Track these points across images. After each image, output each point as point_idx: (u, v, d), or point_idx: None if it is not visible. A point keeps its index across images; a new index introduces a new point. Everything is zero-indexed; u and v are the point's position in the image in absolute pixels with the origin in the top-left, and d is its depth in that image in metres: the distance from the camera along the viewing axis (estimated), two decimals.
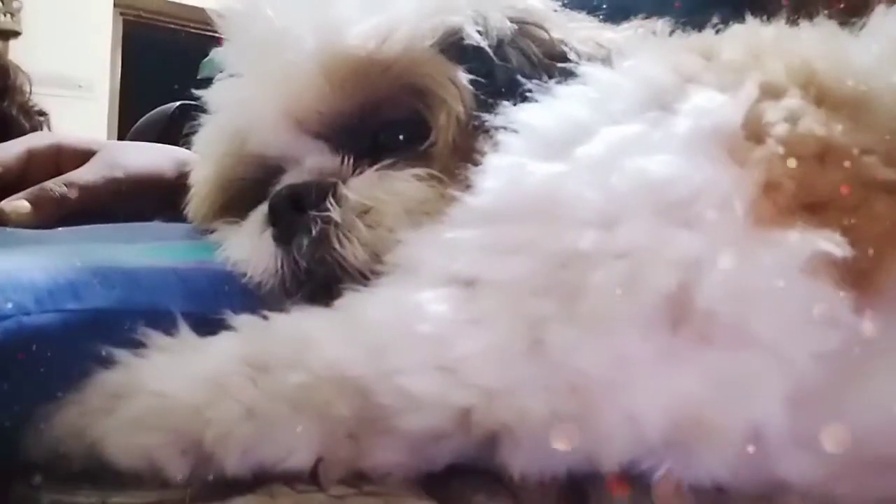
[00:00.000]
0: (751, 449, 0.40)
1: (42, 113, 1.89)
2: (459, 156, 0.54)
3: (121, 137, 2.85)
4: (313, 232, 0.55)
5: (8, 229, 0.69)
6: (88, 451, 0.43)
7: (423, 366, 0.41)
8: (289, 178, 0.60)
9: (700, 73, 0.46)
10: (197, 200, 0.68)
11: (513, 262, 0.42)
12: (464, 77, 0.57)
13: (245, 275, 0.57)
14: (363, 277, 0.53)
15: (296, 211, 0.57)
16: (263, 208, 0.60)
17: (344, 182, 0.57)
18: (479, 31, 0.58)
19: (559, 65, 0.57)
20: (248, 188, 0.64)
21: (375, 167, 0.58)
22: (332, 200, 0.56)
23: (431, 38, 0.57)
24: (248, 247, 0.58)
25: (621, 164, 0.42)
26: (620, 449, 0.41)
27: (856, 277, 0.38)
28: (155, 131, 1.84)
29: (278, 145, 0.61)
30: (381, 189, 0.57)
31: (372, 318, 0.44)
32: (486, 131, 0.51)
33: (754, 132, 0.42)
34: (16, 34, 2.30)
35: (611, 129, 0.44)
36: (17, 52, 2.38)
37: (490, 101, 0.55)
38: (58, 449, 0.43)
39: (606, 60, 0.54)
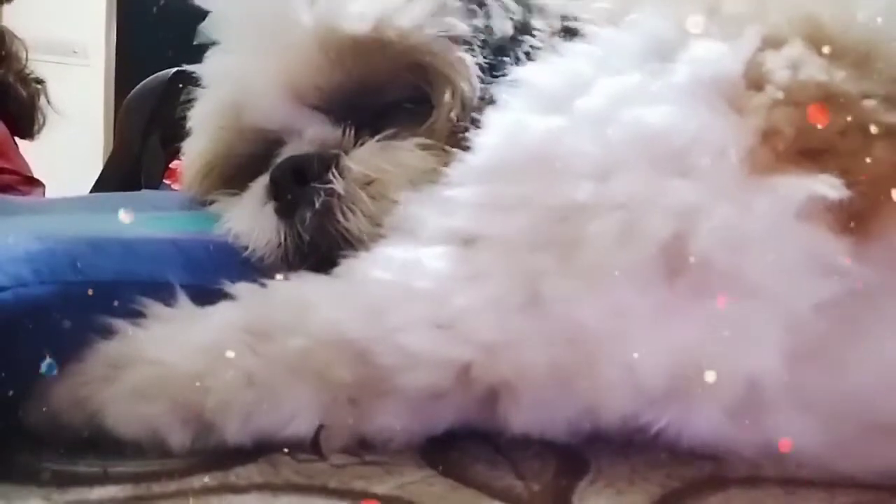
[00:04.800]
0: (748, 402, 0.41)
1: (39, 81, 1.90)
2: (462, 129, 0.55)
3: (117, 105, 2.85)
4: (316, 204, 0.56)
5: (5, 199, 0.70)
6: (89, 421, 0.44)
7: (422, 323, 0.42)
8: (289, 150, 0.61)
9: (704, 26, 0.46)
10: (193, 175, 0.68)
11: (511, 217, 0.43)
12: (468, 57, 0.57)
13: (246, 248, 0.58)
14: (367, 250, 0.54)
15: (298, 183, 0.57)
16: (264, 180, 0.60)
17: (346, 153, 0.58)
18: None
19: (563, 24, 0.58)
20: (247, 162, 0.65)
21: (377, 137, 0.59)
22: (334, 172, 0.57)
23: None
24: (250, 220, 0.59)
25: (619, 115, 0.42)
26: (620, 401, 0.42)
27: (853, 221, 0.39)
28: (151, 98, 1.85)
29: (277, 117, 0.62)
30: (384, 160, 0.57)
31: (370, 277, 0.45)
32: (492, 102, 0.52)
33: (755, 80, 0.42)
34: None
35: (609, 81, 0.44)
36: (9, 17, 2.37)
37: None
38: (58, 419, 0.45)
39: (612, 20, 0.55)
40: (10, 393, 0.44)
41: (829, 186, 0.39)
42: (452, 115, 0.57)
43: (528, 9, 0.61)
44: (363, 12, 0.57)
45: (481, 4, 0.60)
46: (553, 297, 0.41)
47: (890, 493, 0.41)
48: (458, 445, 0.45)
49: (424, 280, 0.43)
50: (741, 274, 0.39)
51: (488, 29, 0.59)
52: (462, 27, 0.58)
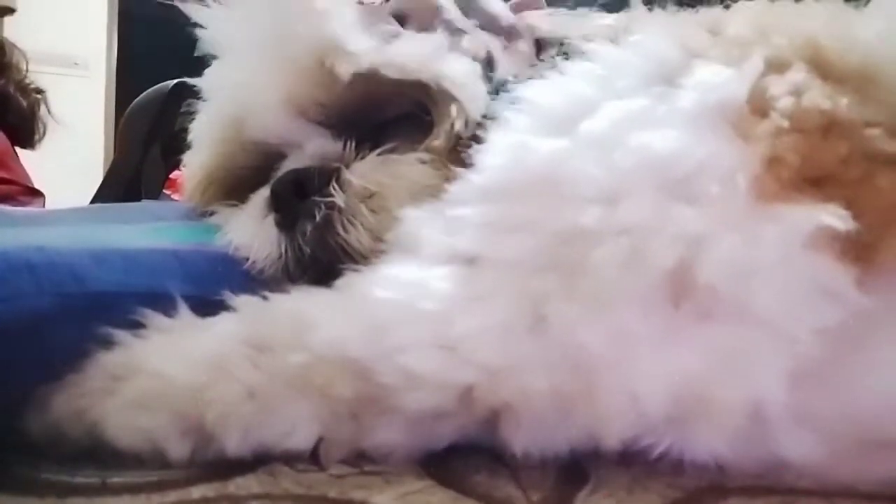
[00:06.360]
0: (751, 425, 0.41)
1: (39, 91, 1.90)
2: (464, 144, 0.55)
3: (118, 116, 2.86)
4: (317, 217, 0.56)
5: (6, 210, 0.70)
6: (89, 432, 0.44)
7: (425, 344, 0.42)
8: (290, 164, 0.61)
9: (706, 48, 0.47)
10: (194, 186, 0.69)
11: (515, 239, 0.43)
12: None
13: (247, 260, 0.58)
14: (367, 263, 0.54)
15: (298, 196, 0.58)
16: (265, 192, 0.61)
17: (347, 166, 0.58)
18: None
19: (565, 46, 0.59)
20: (248, 174, 0.65)
21: (378, 151, 0.59)
22: (335, 185, 0.57)
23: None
24: (250, 232, 0.59)
25: (625, 139, 0.43)
26: (622, 425, 0.42)
27: (858, 252, 0.39)
28: (152, 110, 1.85)
29: (278, 131, 0.62)
30: (385, 173, 0.58)
31: (373, 296, 0.45)
32: (494, 119, 0.52)
33: (759, 106, 0.43)
34: (10, 11, 2.30)
35: (615, 105, 0.45)
36: (11, 29, 2.38)
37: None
38: (58, 429, 0.45)
39: (614, 39, 0.55)
40: (10, 404, 0.44)
41: (836, 217, 0.39)
42: (454, 131, 0.57)
43: (537, 47, 0.62)
44: (361, 54, 0.57)
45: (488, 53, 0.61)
46: (556, 321, 0.41)
47: (889, 502, 0.41)
48: (459, 455, 0.45)
49: (427, 301, 0.43)
50: (746, 301, 0.39)
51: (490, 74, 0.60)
52: (463, 69, 0.59)
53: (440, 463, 0.45)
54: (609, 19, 0.62)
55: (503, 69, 0.60)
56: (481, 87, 0.58)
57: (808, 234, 0.39)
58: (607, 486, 0.43)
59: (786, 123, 0.41)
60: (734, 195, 0.40)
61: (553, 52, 0.61)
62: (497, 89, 0.58)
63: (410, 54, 0.58)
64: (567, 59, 0.54)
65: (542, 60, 0.60)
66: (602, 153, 0.43)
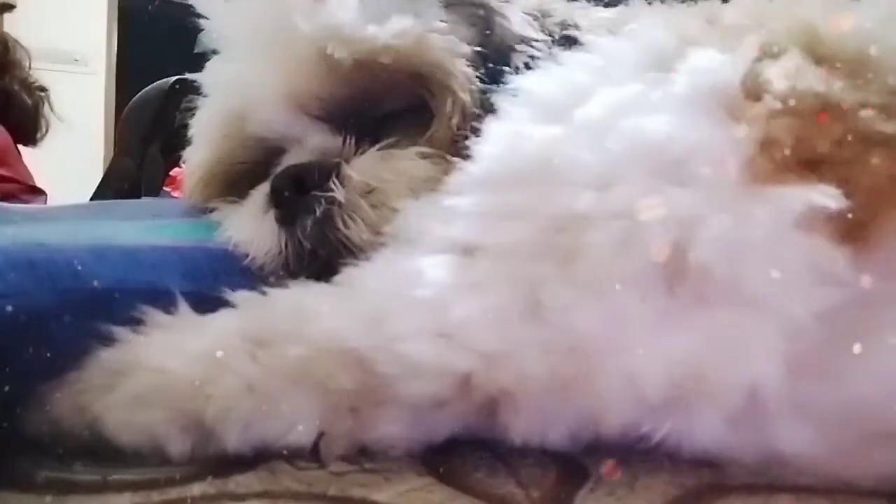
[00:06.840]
0: (749, 410, 0.41)
1: (42, 88, 1.91)
2: (463, 137, 0.55)
3: (118, 113, 2.86)
4: (317, 213, 0.57)
5: (7, 207, 0.70)
6: (89, 429, 0.44)
7: (423, 331, 0.43)
8: (290, 159, 0.61)
9: (702, 36, 0.47)
10: (194, 182, 0.69)
11: (511, 226, 0.43)
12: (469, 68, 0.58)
13: (247, 255, 0.58)
14: (367, 258, 0.54)
15: (298, 192, 0.58)
16: (265, 188, 0.61)
17: (347, 162, 0.58)
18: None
19: (563, 33, 0.59)
20: (248, 170, 0.65)
21: (378, 146, 0.59)
22: (335, 180, 0.57)
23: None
24: (250, 228, 0.59)
25: (618, 124, 0.43)
26: (620, 409, 0.42)
27: (853, 232, 0.39)
28: (152, 106, 1.86)
29: (279, 126, 0.62)
30: (385, 168, 0.58)
31: (371, 286, 0.45)
32: (492, 111, 0.52)
33: (753, 90, 0.43)
34: (10, 7, 2.30)
35: (609, 91, 0.45)
36: (11, 25, 2.38)
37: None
38: (58, 426, 0.45)
39: (612, 29, 0.55)
40: (11, 400, 0.44)
41: (827, 196, 0.39)
42: (453, 124, 0.57)
43: (530, 18, 0.61)
44: (361, 38, 0.57)
45: (484, 16, 0.61)
46: (553, 306, 0.41)
47: (890, 499, 0.41)
48: (459, 453, 0.45)
49: (425, 289, 0.43)
50: (740, 283, 0.39)
51: (489, 39, 0.59)
52: (462, 45, 0.58)
53: (440, 460, 0.45)
54: (609, 13, 0.62)
55: (496, 50, 0.60)
56: (474, 73, 0.58)
57: (799, 213, 0.39)
58: (608, 483, 0.43)
59: (779, 106, 0.42)
60: (726, 177, 0.40)
61: (548, 31, 0.60)
62: (493, 76, 0.58)
63: (403, 35, 0.58)
64: (563, 43, 0.54)
65: (536, 41, 0.60)
66: (595, 138, 0.43)
